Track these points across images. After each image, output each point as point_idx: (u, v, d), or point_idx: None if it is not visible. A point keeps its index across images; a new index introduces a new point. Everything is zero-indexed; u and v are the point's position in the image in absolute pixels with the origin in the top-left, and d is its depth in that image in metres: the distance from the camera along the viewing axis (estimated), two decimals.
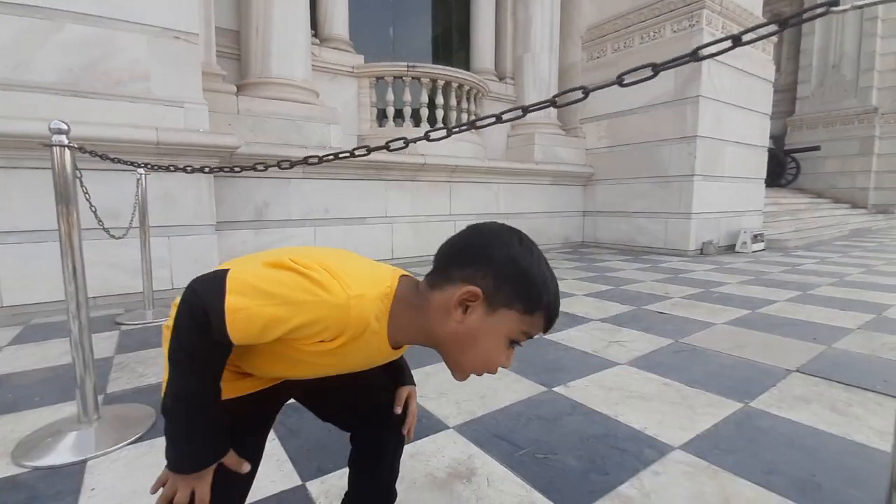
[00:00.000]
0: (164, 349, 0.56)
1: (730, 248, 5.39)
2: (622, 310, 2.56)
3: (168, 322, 0.55)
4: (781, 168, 10.44)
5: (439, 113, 4.88)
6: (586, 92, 0.86)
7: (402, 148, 1.15)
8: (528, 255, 0.56)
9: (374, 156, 4.08)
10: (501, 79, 6.05)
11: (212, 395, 0.54)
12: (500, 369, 0.58)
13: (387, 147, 1.16)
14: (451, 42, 6.29)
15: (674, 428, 1.20)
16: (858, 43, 9.88)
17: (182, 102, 2.91)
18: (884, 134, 9.77)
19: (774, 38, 5.79)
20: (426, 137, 1.11)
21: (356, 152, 1.19)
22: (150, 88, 2.77)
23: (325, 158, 1.25)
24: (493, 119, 0.92)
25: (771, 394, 1.42)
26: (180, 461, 0.53)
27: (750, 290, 3.07)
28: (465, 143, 5.08)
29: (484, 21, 5.77)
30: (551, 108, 5.90)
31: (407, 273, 0.61)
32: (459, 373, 0.59)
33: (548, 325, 0.57)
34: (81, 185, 1.53)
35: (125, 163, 1.90)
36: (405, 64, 4.63)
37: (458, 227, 0.60)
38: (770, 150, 10.09)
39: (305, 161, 1.31)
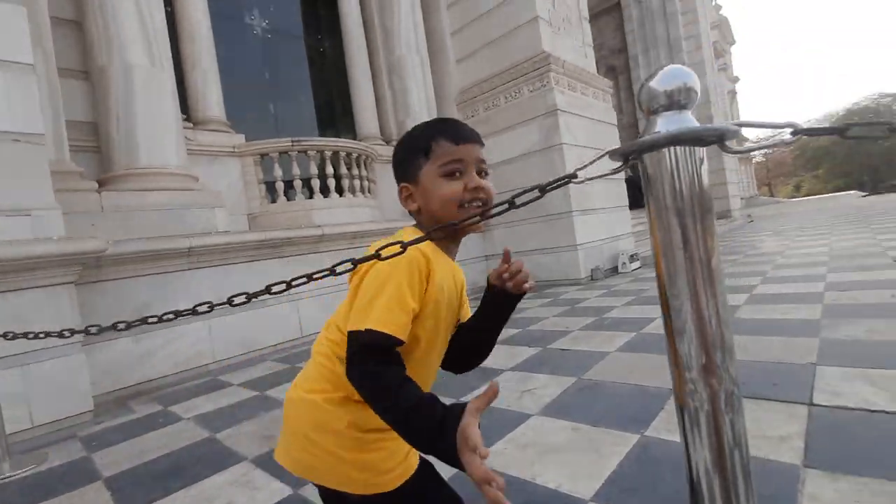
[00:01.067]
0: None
1: (614, 270, 6.04)
2: (531, 353, 2.71)
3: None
4: (641, 192, 12.14)
5: (331, 182, 4.92)
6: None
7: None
8: (413, 128, 0.76)
9: (268, 233, 3.94)
10: (388, 142, 6.32)
11: (416, 386, 0.58)
12: None
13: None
14: (335, 112, 6.47)
15: (584, 478, 1.28)
16: None
17: (28, 210, 2.57)
18: (707, 155, 11.94)
19: (612, 90, 6.89)
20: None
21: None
22: None
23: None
24: (505, 206, 0.86)
25: (661, 418, 1.59)
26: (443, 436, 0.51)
27: (634, 311, 3.45)
28: (363, 207, 5.15)
29: (363, 92, 6.05)
30: None
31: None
32: (449, 216, 0.71)
33: (454, 139, 0.72)
34: None
35: None
36: (289, 139, 4.63)
37: None
38: (628, 179, 11.72)
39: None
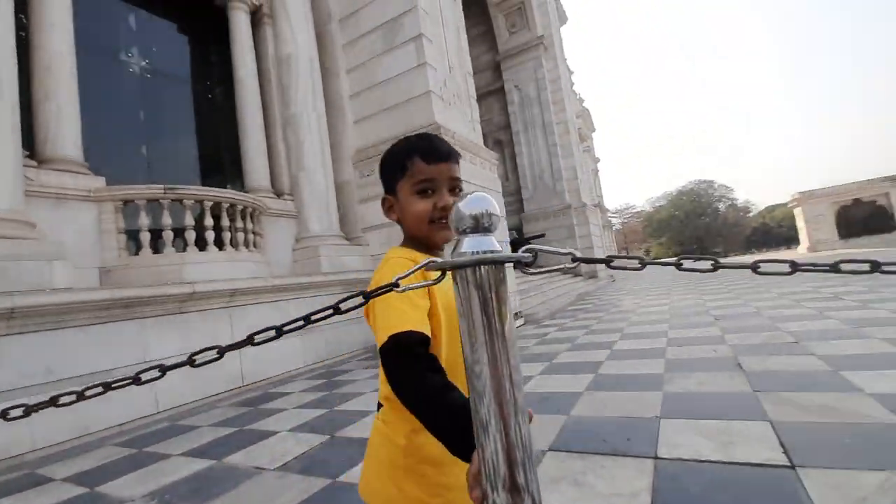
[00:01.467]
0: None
1: None
2: None
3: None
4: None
5: (210, 235, 4.53)
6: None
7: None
8: (394, 143, 0.83)
9: (122, 291, 3.44)
10: (280, 195, 6.10)
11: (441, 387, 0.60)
12: None
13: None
14: (222, 161, 6.11)
15: None
16: (549, 161, 13.91)
17: None
18: (579, 222, 13.65)
19: (498, 161, 7.64)
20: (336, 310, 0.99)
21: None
22: None
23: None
24: (361, 300, 0.87)
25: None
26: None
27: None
28: (246, 262, 4.81)
29: (254, 143, 5.84)
30: (333, 218, 6.18)
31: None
32: (431, 242, 0.80)
33: (427, 158, 0.77)
34: None
35: None
36: (161, 186, 4.22)
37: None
38: (515, 240, 12.73)
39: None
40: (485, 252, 0.49)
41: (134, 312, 3.56)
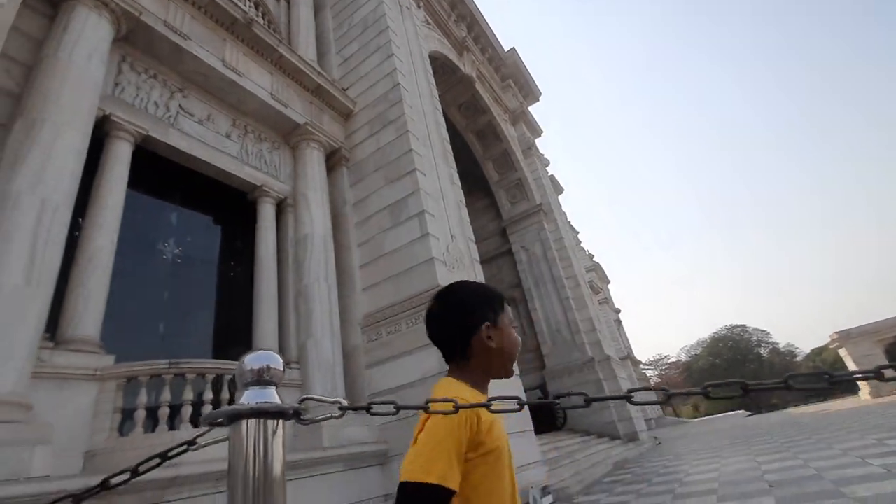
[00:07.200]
0: None
1: None
2: None
3: None
4: (552, 415, 12.22)
5: (207, 409, 4.41)
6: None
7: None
8: (467, 285, 1.00)
9: (90, 479, 3.20)
10: (287, 364, 6.10)
11: None
12: None
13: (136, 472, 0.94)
14: (236, 334, 6.34)
15: None
16: (564, 314, 13.87)
17: None
18: (606, 377, 12.83)
19: None
20: (190, 445, 0.92)
21: None
22: None
23: None
24: None
25: None
26: None
27: None
28: None
29: (266, 315, 6.12)
30: (339, 385, 6.01)
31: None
32: (509, 371, 0.95)
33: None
34: None
35: None
36: (166, 361, 4.30)
37: None
38: (539, 401, 11.93)
39: None
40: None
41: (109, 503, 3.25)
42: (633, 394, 0.53)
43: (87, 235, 4.57)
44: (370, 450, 5.58)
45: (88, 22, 4.83)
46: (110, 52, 5.14)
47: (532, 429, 6.77)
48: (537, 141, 18.77)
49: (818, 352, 48.78)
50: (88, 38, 4.78)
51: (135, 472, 0.96)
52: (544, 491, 5.77)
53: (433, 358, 5.70)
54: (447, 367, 0.97)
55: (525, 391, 7.24)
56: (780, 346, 48.62)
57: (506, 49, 17.15)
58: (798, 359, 49.13)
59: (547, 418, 11.95)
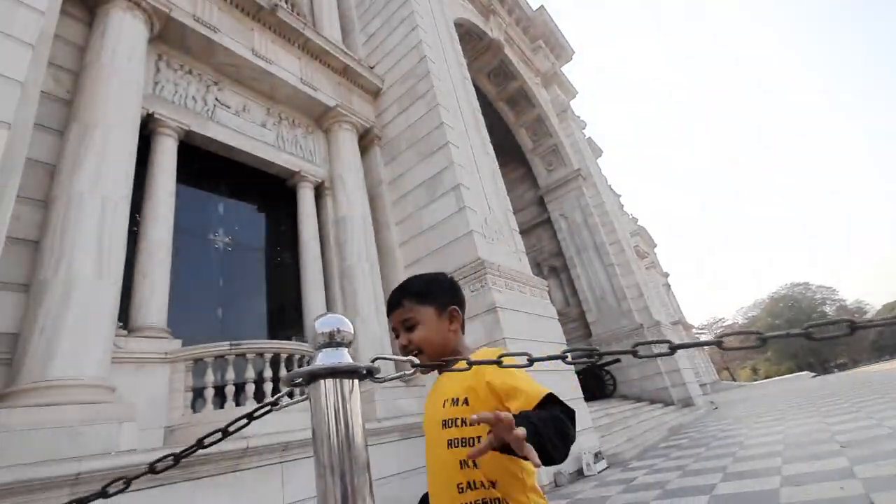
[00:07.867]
0: None
1: (579, 473, 5.51)
2: None
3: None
4: (601, 382, 12.09)
5: (268, 387, 4.67)
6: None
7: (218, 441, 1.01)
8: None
9: (172, 450, 3.49)
10: None
11: None
12: None
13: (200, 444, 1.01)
14: (288, 317, 6.62)
15: None
16: (609, 281, 13.51)
17: None
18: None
19: (547, 287, 7.57)
20: (249, 417, 0.93)
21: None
22: None
23: None
24: None
25: None
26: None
27: None
28: (300, 412, 4.79)
29: (314, 297, 6.34)
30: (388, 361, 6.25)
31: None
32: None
33: (388, 312, 1.07)
34: None
35: None
36: (227, 343, 4.57)
37: None
38: (587, 368, 11.76)
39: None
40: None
41: (187, 474, 3.55)
42: (721, 339, 0.49)
43: (146, 228, 4.86)
44: (421, 421, 5.74)
45: (124, 24, 5.00)
46: (147, 52, 5.32)
47: (581, 396, 6.74)
48: (572, 103, 17.97)
49: (890, 307, 45.18)
50: (126, 40, 4.96)
51: (211, 442, 1.01)
52: (597, 457, 5.77)
53: (480, 329, 5.73)
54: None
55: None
56: (848, 302, 45.38)
57: (534, 8, 16.35)
58: (868, 315, 45.77)
59: (596, 386, 11.85)
